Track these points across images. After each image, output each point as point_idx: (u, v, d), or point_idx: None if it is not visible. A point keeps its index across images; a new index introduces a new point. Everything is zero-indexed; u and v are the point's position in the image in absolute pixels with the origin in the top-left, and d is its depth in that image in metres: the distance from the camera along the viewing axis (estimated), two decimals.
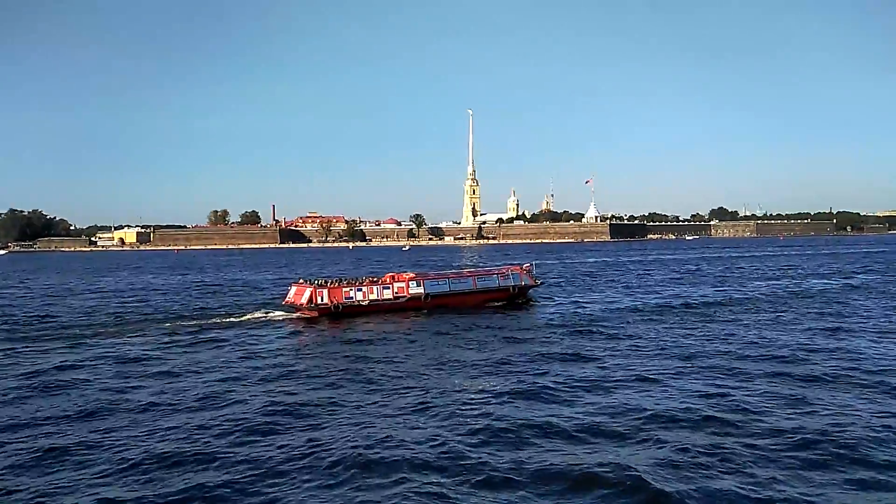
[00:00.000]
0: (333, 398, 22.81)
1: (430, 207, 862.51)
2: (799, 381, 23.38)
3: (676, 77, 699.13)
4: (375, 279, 51.44)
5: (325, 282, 48.87)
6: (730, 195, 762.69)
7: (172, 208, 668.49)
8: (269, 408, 21.48)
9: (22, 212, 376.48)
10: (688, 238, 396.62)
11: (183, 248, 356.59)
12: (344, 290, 47.63)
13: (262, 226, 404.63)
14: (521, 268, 56.84)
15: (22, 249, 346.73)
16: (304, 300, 46.55)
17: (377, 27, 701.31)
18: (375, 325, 42.37)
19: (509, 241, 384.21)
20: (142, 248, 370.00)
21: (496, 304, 51.70)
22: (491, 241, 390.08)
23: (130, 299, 64.41)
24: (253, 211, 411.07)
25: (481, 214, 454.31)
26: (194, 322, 44.76)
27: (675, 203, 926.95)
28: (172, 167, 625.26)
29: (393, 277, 51.49)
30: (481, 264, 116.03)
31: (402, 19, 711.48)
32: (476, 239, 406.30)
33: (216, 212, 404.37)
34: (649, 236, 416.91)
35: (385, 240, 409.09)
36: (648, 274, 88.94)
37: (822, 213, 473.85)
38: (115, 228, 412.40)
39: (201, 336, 38.66)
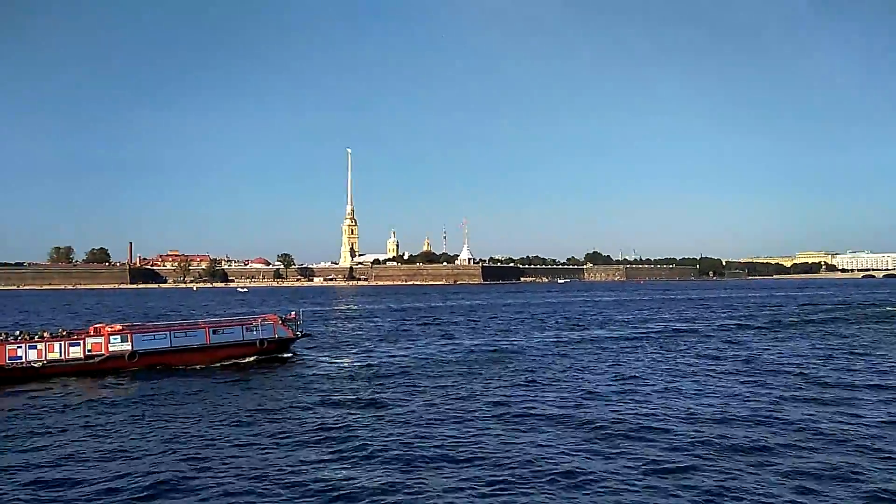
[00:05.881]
0: None
1: (307, 248, 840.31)
2: None
3: (558, 123, 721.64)
4: (67, 333, 40.81)
5: None
6: (606, 240, 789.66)
7: (18, 244, 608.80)
8: None
9: None
10: (559, 281, 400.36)
11: (15, 287, 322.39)
12: (9, 347, 37.15)
13: (109, 264, 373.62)
14: (279, 317, 47.57)
15: None
16: None
17: (252, 61, 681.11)
18: (28, 398, 32.23)
19: (382, 283, 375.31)
20: None
21: (240, 361, 42.58)
22: (362, 283, 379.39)
23: None
24: (101, 248, 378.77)
25: (360, 255, 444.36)
26: None
27: (556, 247, 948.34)
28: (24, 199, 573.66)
29: (97, 330, 41.08)
30: (315, 308, 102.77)
31: (276, 55, 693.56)
32: (348, 280, 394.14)
33: (59, 248, 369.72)
34: (523, 279, 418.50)
35: (251, 280, 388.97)
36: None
37: (687, 258, 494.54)
38: None
39: None
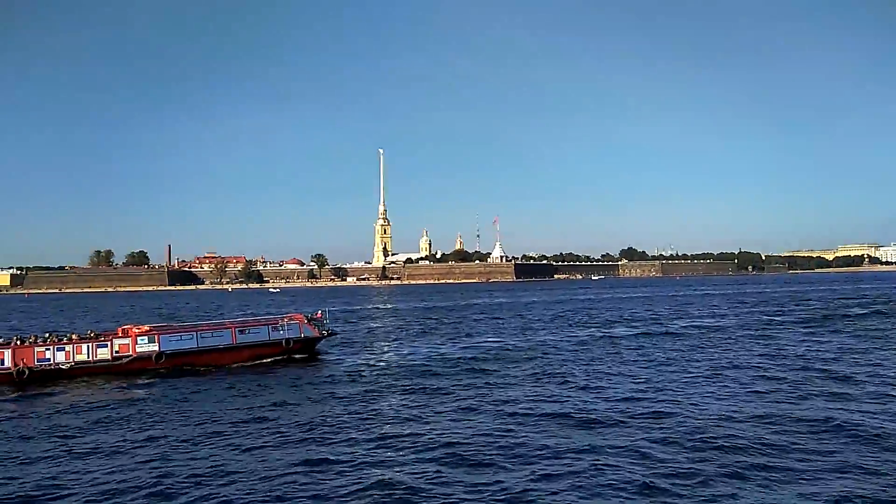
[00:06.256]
0: None
1: (340, 248, 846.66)
2: None
3: (591, 120, 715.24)
4: (95, 334, 41.34)
5: (20, 339, 39.06)
6: (642, 236, 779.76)
7: (61, 248, 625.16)
8: None
9: None
10: (593, 278, 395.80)
11: (57, 290, 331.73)
12: (37, 349, 37.98)
13: (148, 267, 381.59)
14: (305, 317, 47.66)
15: None
16: None
17: (283, 64, 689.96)
18: (54, 399, 32.77)
19: (414, 282, 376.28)
20: (12, 291, 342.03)
21: (265, 361, 42.78)
22: (395, 282, 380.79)
23: None
24: (140, 251, 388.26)
25: (393, 255, 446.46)
26: None
27: (591, 243, 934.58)
28: (75, 206, 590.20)
29: (125, 331, 41.79)
30: (345, 306, 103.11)
31: (306, 57, 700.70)
32: (381, 279, 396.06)
33: (99, 252, 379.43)
34: (556, 276, 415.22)
35: (286, 281, 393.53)
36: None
37: (726, 253, 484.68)
38: None
39: None
